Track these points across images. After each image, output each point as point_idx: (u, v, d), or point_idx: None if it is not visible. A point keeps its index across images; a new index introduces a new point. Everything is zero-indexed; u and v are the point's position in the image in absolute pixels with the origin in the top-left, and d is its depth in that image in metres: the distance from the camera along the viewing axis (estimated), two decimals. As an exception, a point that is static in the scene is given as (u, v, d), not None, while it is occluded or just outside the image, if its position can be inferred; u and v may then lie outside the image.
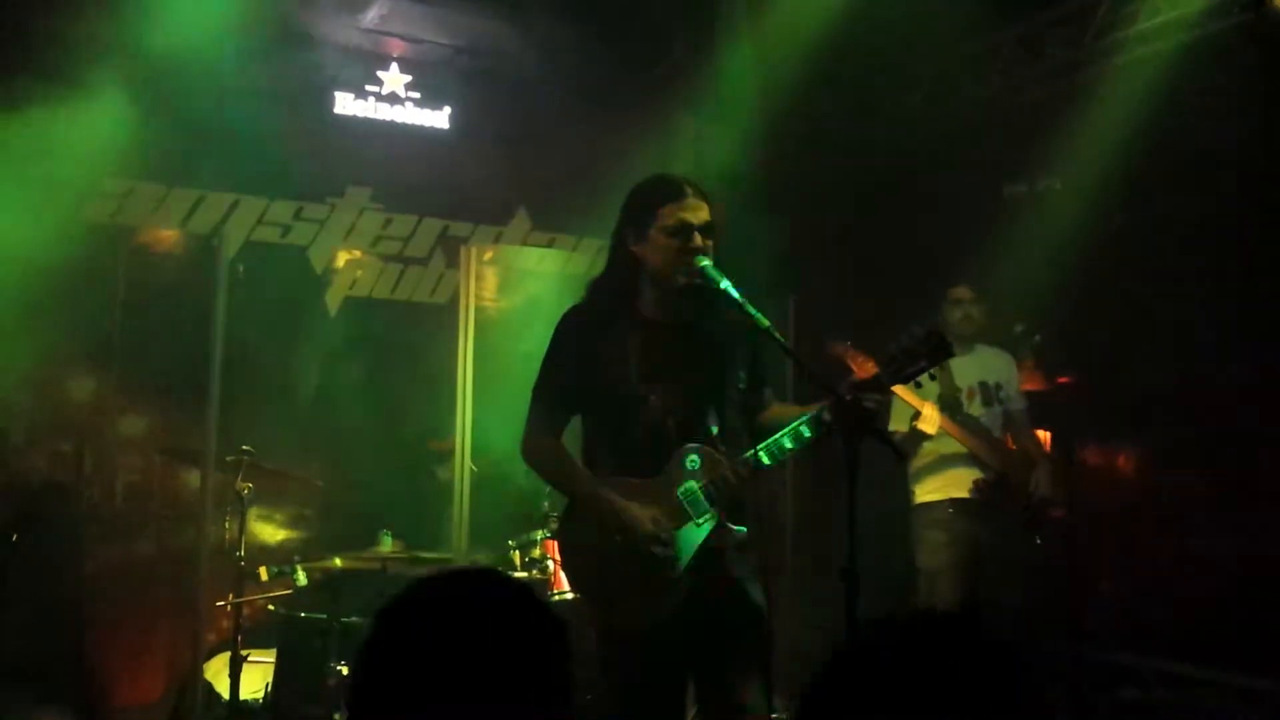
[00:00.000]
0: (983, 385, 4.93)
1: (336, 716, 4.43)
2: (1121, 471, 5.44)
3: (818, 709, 1.28)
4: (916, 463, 4.88)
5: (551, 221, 6.47)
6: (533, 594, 1.51)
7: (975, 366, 4.94)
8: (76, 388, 5.33)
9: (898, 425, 4.86)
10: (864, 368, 3.16)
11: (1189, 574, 4.85)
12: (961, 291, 4.97)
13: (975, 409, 4.89)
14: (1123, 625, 5.01)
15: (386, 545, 4.80)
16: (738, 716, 2.96)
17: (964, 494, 4.80)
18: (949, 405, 4.82)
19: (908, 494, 4.94)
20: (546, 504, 4.98)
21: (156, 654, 5.22)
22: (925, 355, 2.79)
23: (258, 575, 4.75)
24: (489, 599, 1.47)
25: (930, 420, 4.68)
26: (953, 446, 4.81)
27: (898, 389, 4.56)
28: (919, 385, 2.90)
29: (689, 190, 2.96)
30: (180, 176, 5.64)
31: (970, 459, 4.81)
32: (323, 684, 4.47)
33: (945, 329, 4.84)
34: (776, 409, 3.11)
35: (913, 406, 4.72)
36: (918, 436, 4.73)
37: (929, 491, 4.88)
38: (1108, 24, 5.26)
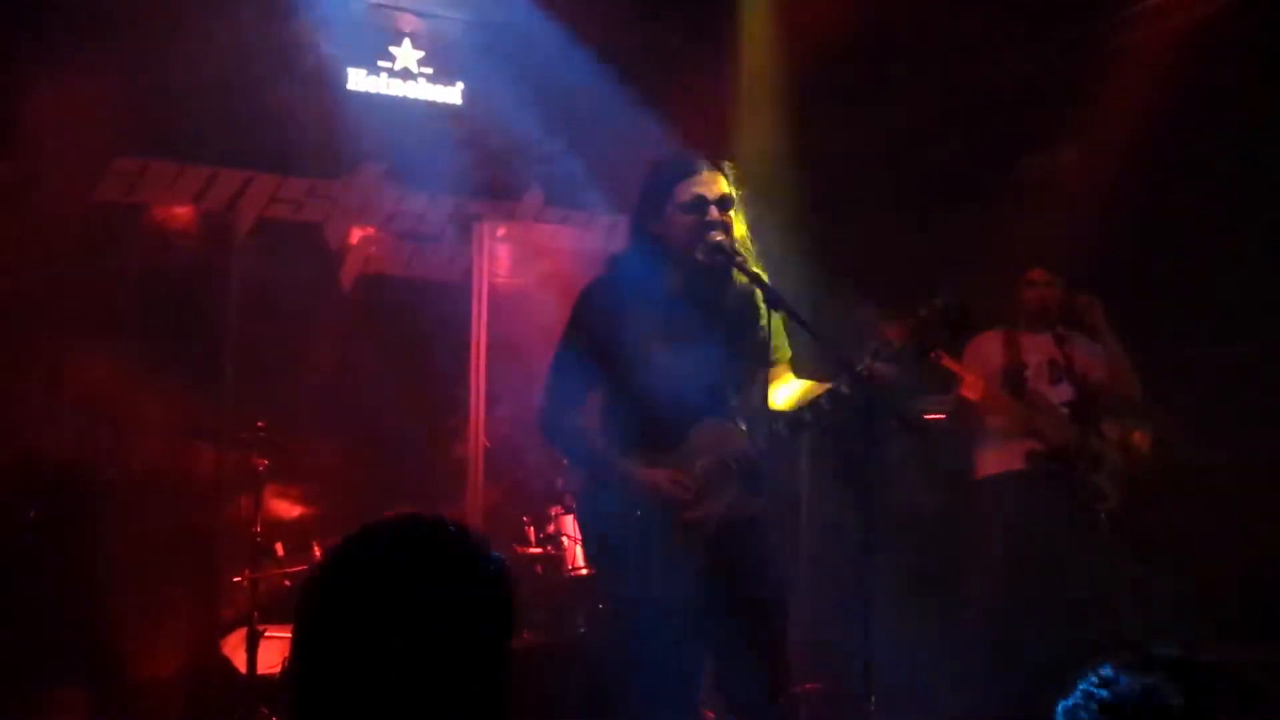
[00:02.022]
0: (1051, 363, 4.87)
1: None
2: (1143, 446, 5.40)
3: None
4: (980, 437, 4.86)
5: (565, 198, 6.44)
6: (466, 532, 1.52)
7: (1049, 345, 4.85)
8: (93, 366, 5.34)
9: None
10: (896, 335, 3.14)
11: (1219, 550, 4.84)
12: (1037, 274, 4.92)
13: (1042, 385, 4.84)
14: (1147, 601, 4.99)
15: (401, 521, 4.81)
16: (755, 690, 2.97)
17: (1018, 467, 4.78)
18: (1011, 379, 4.79)
19: (970, 468, 4.93)
20: (561, 480, 4.99)
21: (174, 630, 5.25)
22: (947, 327, 2.78)
23: (274, 551, 4.77)
24: (423, 546, 1.48)
25: (973, 386, 4.65)
26: (1009, 419, 4.78)
27: (945, 360, 4.56)
28: (935, 358, 2.88)
29: (703, 165, 2.96)
30: (193, 154, 5.63)
31: (1028, 433, 4.77)
32: (339, 659, 4.49)
33: (1020, 309, 4.86)
34: (796, 386, 3.11)
35: (955, 374, 4.69)
36: (961, 404, 4.71)
37: (987, 465, 4.87)
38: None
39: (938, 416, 5.03)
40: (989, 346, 4.91)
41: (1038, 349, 4.87)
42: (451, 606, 1.43)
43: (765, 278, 2.87)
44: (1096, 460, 4.73)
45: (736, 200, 2.98)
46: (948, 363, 4.65)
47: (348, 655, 1.41)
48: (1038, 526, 4.74)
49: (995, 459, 4.85)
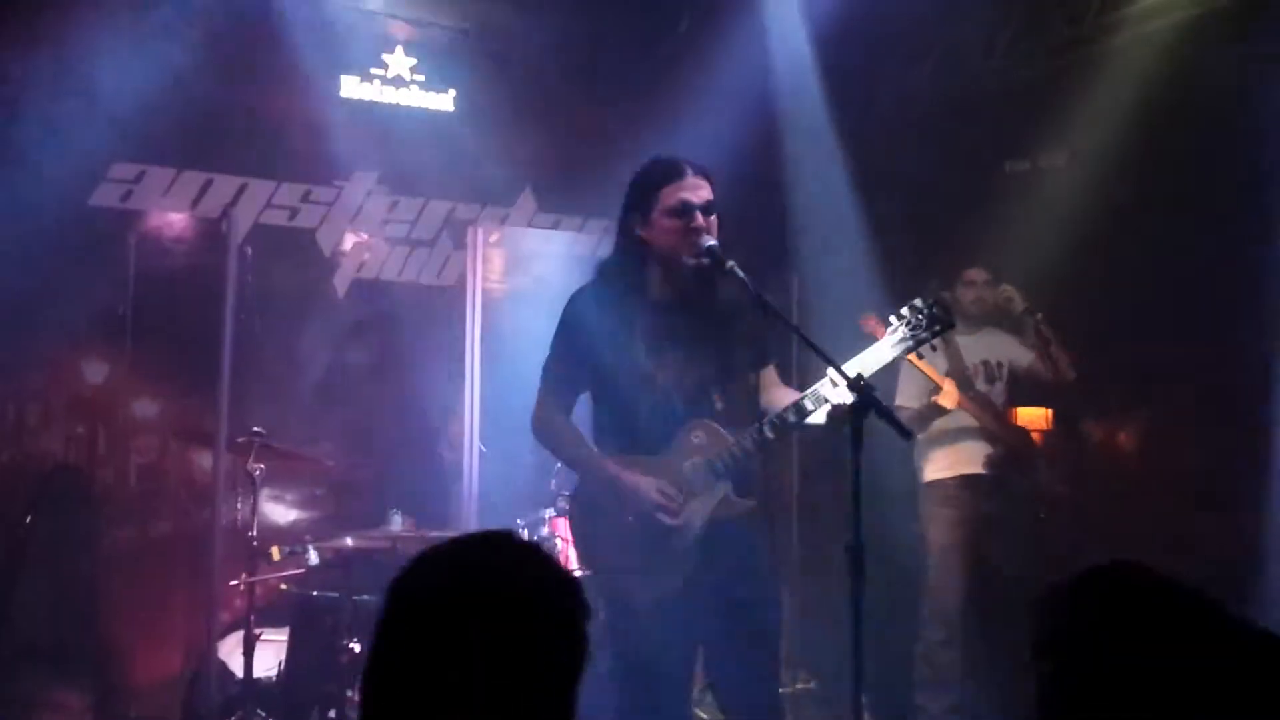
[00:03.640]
0: (985, 364, 5.01)
1: (349, 693, 4.49)
2: (1124, 447, 5.47)
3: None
4: (925, 439, 4.92)
5: (557, 202, 6.50)
6: (544, 553, 1.49)
7: (981, 346, 5.02)
8: (89, 371, 5.38)
9: (905, 400, 4.90)
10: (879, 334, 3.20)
11: (1192, 548, 4.88)
12: (975, 273, 5.01)
13: (981, 386, 4.95)
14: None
15: (396, 524, 4.85)
16: (746, 689, 3.01)
17: (975, 469, 4.86)
18: (959, 382, 4.87)
19: (916, 470, 4.98)
20: (554, 483, 5.03)
21: (171, 633, 5.28)
22: (928, 327, 2.82)
23: (270, 555, 4.80)
24: (502, 563, 1.44)
25: (950, 396, 4.73)
26: (963, 422, 4.85)
27: (920, 364, 4.64)
28: (919, 357, 2.94)
29: (689, 169, 3.00)
30: (188, 160, 5.67)
31: (980, 434, 4.85)
32: (335, 661, 4.53)
33: (955, 308, 4.92)
34: (781, 389, 3.16)
35: (933, 381, 4.76)
36: (935, 412, 4.78)
37: (940, 468, 4.92)
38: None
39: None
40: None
41: (972, 351, 4.98)
42: (535, 624, 1.40)
43: (751, 281, 2.91)
44: (1042, 460, 4.87)
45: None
46: (929, 371, 4.73)
47: (424, 659, 1.37)
48: (995, 527, 4.82)
49: (946, 462, 4.91)
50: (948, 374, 4.87)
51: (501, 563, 1.44)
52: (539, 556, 1.47)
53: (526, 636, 1.38)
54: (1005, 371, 5.04)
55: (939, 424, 4.87)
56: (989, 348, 5.05)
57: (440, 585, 1.42)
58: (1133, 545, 5.10)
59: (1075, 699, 1.43)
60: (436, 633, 1.37)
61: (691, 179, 2.98)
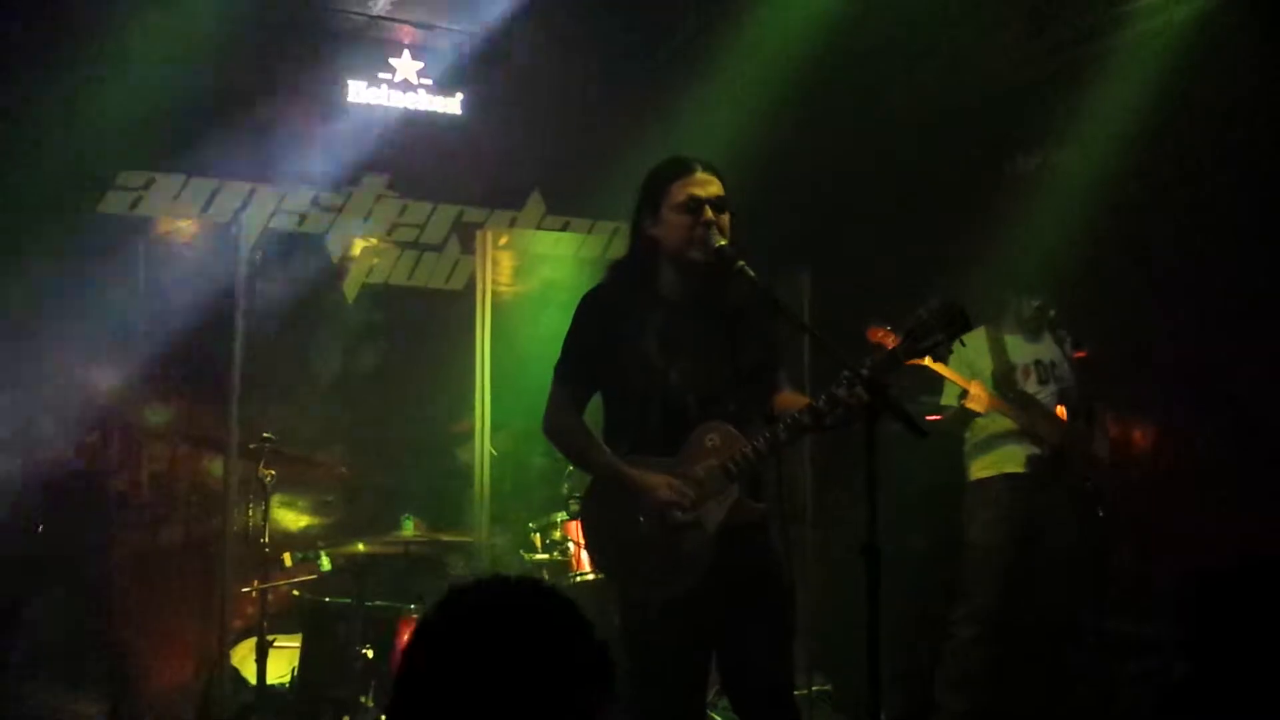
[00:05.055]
0: (1038, 364, 4.94)
1: (362, 699, 4.49)
2: (1141, 444, 5.43)
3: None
4: (971, 440, 4.92)
5: (565, 205, 6.49)
6: (575, 611, 1.51)
7: (1033, 347, 4.97)
8: (100, 378, 5.38)
9: (948, 400, 4.90)
10: (888, 343, 3.17)
11: (1211, 545, 4.85)
12: (1040, 300, 5.00)
13: (1031, 386, 4.90)
14: (1146, 596, 5.01)
15: (408, 529, 4.85)
16: (760, 690, 3.00)
17: (1018, 469, 4.82)
18: (1003, 382, 4.84)
19: (964, 471, 4.97)
20: (566, 486, 5.02)
21: (184, 640, 5.29)
22: (941, 328, 2.79)
23: (282, 561, 4.81)
24: (531, 615, 1.47)
25: (978, 399, 4.71)
26: (1005, 424, 4.82)
27: (940, 368, 4.63)
28: (938, 357, 2.91)
29: (697, 165, 2.99)
30: (197, 166, 5.68)
31: (1024, 436, 4.82)
32: (348, 667, 4.52)
33: (1015, 315, 4.93)
34: (794, 391, 3.14)
35: (959, 385, 4.75)
36: (966, 415, 4.77)
37: (983, 468, 4.90)
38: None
39: (933, 417, 5.07)
40: (974, 347, 4.94)
41: (1022, 350, 4.95)
42: (552, 675, 1.44)
43: (762, 281, 2.89)
44: (1092, 460, 4.81)
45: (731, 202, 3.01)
46: (952, 375, 4.72)
47: (447, 704, 1.41)
48: (1038, 528, 4.80)
49: (991, 462, 4.89)
50: (994, 374, 4.84)
51: (539, 609, 1.47)
52: (576, 614, 1.50)
53: (558, 685, 1.42)
54: (1060, 371, 4.96)
55: (983, 424, 4.85)
56: (1043, 348, 4.99)
57: (479, 627, 1.44)
58: (1168, 545, 5.06)
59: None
60: (471, 676, 1.40)
61: (700, 174, 2.98)
